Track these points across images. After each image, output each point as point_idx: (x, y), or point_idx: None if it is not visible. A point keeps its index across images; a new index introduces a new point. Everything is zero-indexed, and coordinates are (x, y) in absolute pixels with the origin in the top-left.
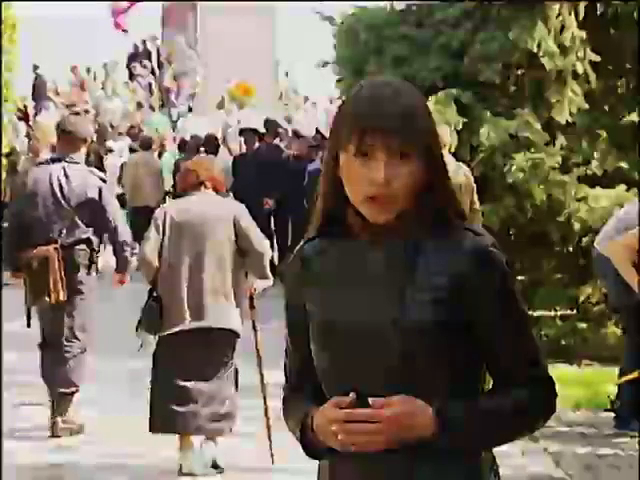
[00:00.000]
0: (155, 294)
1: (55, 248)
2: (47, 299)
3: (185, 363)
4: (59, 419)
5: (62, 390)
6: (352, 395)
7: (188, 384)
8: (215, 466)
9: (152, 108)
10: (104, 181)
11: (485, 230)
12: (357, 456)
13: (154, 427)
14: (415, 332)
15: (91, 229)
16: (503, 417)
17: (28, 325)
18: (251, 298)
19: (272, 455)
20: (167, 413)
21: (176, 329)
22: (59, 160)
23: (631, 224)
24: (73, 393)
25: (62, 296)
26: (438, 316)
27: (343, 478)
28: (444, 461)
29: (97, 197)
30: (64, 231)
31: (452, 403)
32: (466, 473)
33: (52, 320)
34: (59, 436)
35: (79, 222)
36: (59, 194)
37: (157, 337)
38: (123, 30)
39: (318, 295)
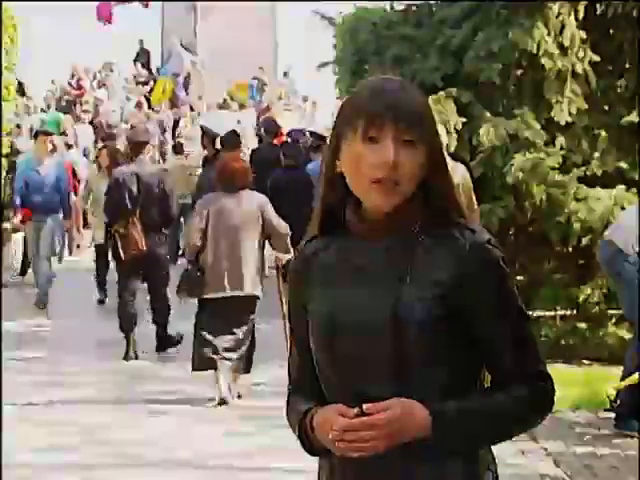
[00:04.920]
0: (197, 266)
1: None
2: None
3: (221, 319)
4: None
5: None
6: (357, 409)
7: (222, 335)
8: (239, 396)
9: (151, 108)
10: None
11: (483, 228)
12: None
13: (195, 367)
14: (413, 330)
15: None
16: (501, 415)
17: None
18: (277, 267)
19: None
20: (206, 356)
21: (218, 294)
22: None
23: None
24: None
25: None
26: (435, 314)
27: (342, 477)
28: (443, 461)
29: None
30: None
31: (449, 402)
32: (464, 474)
33: None
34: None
35: None
36: None
37: (198, 300)
38: (108, 22)
39: (317, 294)
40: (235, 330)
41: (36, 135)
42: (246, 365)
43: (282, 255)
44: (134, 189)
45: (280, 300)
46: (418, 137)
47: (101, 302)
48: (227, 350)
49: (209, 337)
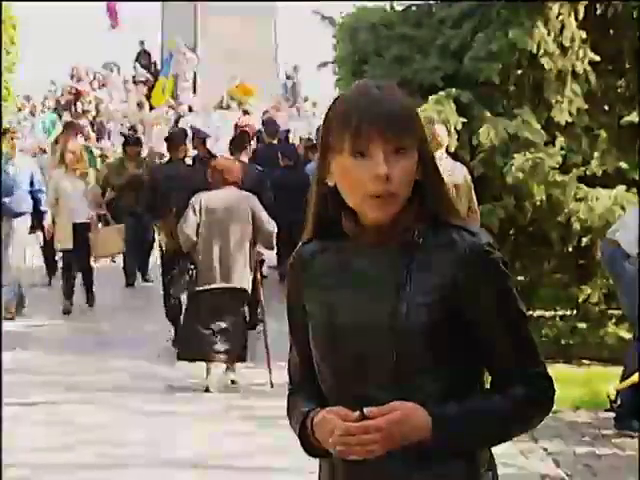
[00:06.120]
0: (190, 261)
1: None
2: None
3: (212, 310)
4: None
5: None
6: (358, 413)
7: (213, 325)
8: (234, 383)
9: (152, 108)
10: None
11: (483, 230)
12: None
13: (181, 356)
14: (412, 333)
15: None
16: (501, 417)
17: None
18: (256, 263)
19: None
20: (196, 345)
21: (209, 287)
22: None
23: None
24: None
25: None
26: (435, 317)
27: (343, 478)
28: (443, 462)
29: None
30: None
31: (449, 404)
32: (465, 474)
33: None
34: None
35: None
36: None
37: (189, 292)
38: (114, 25)
39: (316, 296)
40: (225, 323)
41: (3, 134)
42: (240, 354)
43: (264, 251)
44: (168, 188)
45: (260, 293)
46: (408, 143)
47: (66, 312)
48: (216, 343)
49: (198, 328)
